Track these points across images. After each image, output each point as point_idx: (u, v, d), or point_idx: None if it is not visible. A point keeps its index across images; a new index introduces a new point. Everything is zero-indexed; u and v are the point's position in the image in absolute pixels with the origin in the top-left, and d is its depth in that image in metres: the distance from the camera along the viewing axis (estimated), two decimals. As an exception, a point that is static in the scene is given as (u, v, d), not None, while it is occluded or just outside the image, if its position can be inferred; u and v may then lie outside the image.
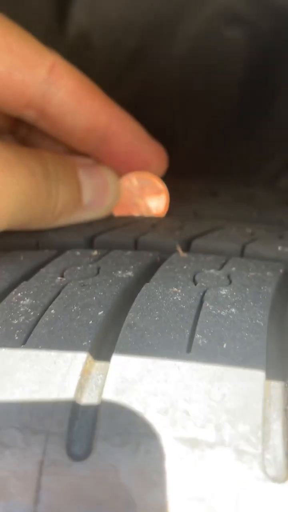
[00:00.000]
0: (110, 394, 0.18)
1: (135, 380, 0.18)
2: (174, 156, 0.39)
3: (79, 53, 0.45)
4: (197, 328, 0.20)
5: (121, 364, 0.19)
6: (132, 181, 0.36)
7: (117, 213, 0.36)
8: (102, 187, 0.34)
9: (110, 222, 0.34)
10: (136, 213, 0.36)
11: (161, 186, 0.36)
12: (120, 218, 0.35)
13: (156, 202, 0.36)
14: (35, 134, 0.35)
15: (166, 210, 0.37)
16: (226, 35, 0.51)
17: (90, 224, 0.33)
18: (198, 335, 0.20)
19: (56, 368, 0.19)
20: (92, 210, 0.33)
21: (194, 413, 0.17)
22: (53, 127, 0.32)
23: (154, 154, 0.35)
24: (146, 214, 0.36)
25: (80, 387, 0.18)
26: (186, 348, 0.19)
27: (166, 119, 0.55)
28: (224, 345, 0.19)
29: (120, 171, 0.35)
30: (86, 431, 0.17)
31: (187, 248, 0.29)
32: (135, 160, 0.35)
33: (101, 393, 0.18)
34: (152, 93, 0.54)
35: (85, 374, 0.19)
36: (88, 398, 0.18)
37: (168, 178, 0.37)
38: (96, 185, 0.33)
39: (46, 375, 0.18)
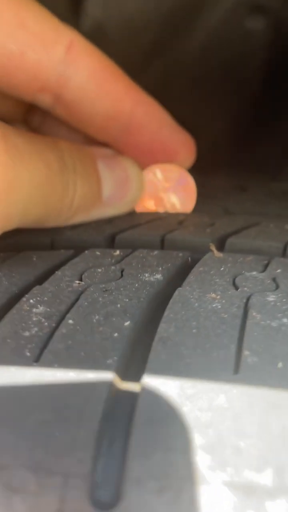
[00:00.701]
0: (141, 426, 0.14)
1: (171, 408, 0.15)
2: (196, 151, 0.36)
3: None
4: (244, 343, 0.17)
5: (154, 388, 0.15)
6: (156, 173, 0.32)
7: (139, 209, 0.33)
8: (124, 180, 0.30)
9: (132, 219, 0.30)
10: (160, 209, 0.33)
11: (189, 179, 0.33)
12: (143, 214, 0.32)
13: (182, 197, 0.33)
14: (50, 123, 0.32)
15: (193, 205, 0.33)
16: (248, 26, 0.49)
17: (110, 221, 0.30)
18: (246, 352, 0.16)
19: (76, 392, 0.15)
20: (113, 205, 0.30)
21: (248, 451, 0.14)
22: (70, 114, 0.29)
23: (182, 144, 0.32)
24: (171, 210, 0.33)
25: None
26: (233, 368, 0.16)
27: (185, 114, 0.53)
28: (279, 364, 0.16)
29: (144, 163, 0.32)
30: (114, 473, 0.14)
31: (221, 247, 0.26)
32: (161, 151, 0.32)
33: (131, 424, 0.15)
34: (170, 87, 0.52)
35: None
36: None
37: (191, 173, 0.34)
38: (116, 178, 0.30)
39: (63, 400, 0.15)
